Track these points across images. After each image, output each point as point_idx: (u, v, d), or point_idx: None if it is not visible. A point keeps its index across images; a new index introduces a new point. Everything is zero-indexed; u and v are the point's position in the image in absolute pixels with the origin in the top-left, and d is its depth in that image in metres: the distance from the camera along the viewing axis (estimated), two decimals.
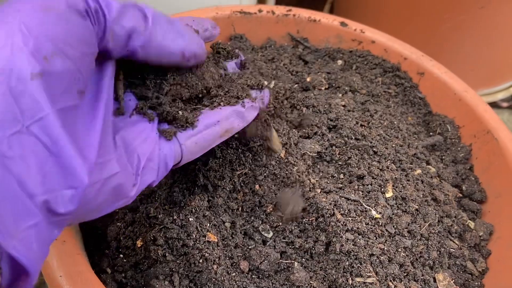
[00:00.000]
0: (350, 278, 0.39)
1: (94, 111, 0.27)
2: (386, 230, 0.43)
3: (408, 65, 0.63)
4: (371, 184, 0.45)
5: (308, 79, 0.60)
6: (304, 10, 0.66)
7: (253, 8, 0.65)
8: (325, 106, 0.52)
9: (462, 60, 0.98)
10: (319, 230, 0.42)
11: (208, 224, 0.40)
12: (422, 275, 0.42)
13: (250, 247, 0.42)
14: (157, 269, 0.38)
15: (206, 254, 0.38)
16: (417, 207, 0.46)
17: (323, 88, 0.59)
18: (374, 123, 0.53)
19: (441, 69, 0.61)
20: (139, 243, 0.40)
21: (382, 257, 0.41)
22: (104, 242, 0.42)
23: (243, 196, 0.43)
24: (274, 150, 0.44)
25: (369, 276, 0.39)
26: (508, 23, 0.90)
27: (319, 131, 0.49)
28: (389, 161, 0.48)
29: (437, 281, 0.43)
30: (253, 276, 0.41)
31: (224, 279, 0.38)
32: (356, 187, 0.45)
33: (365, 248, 0.41)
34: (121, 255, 0.40)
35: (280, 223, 0.42)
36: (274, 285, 0.40)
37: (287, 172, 0.44)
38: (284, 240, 0.42)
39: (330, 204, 0.43)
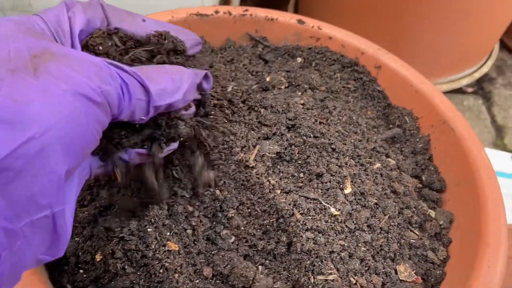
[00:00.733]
0: (312, 277, 0.40)
1: None
2: (346, 226, 0.43)
3: (365, 60, 0.64)
4: (329, 182, 0.46)
5: (268, 79, 0.60)
6: (261, 10, 0.66)
7: (210, 9, 0.64)
8: (284, 105, 0.52)
9: (424, 49, 0.99)
10: (280, 231, 0.42)
11: (169, 233, 0.40)
12: (384, 268, 0.43)
13: (213, 252, 0.42)
14: (117, 282, 0.38)
15: (167, 264, 0.38)
16: (376, 201, 0.46)
17: (283, 87, 0.59)
18: (333, 119, 0.53)
19: (397, 62, 0.62)
20: (98, 257, 0.39)
21: (342, 254, 0.41)
22: (63, 258, 0.41)
23: (203, 203, 0.43)
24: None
25: (331, 273, 0.40)
26: (467, 9, 0.91)
27: (278, 131, 0.49)
28: (347, 157, 0.49)
29: (398, 272, 0.43)
30: (217, 281, 0.41)
31: (186, 287, 0.38)
32: (315, 185, 0.46)
33: (326, 245, 0.41)
34: (81, 271, 0.40)
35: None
36: None
37: (246, 176, 0.44)
38: (246, 244, 0.42)
39: (290, 204, 0.43)
